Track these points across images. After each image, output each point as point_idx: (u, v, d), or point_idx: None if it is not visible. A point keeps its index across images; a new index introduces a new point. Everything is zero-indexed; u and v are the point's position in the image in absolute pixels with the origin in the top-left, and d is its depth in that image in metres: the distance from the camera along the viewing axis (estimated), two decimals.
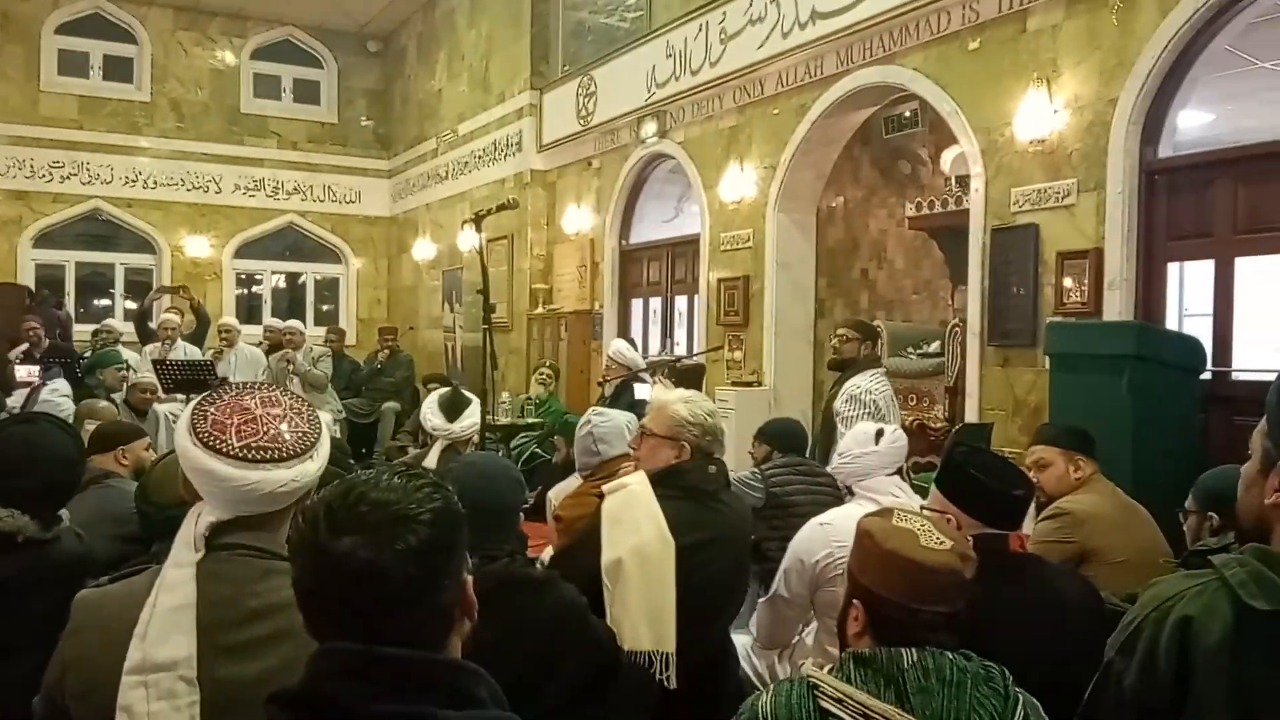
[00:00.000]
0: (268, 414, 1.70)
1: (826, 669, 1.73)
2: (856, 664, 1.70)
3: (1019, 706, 1.67)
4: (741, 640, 3.39)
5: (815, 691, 1.68)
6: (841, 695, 1.66)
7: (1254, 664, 1.32)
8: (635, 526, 2.73)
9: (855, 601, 1.80)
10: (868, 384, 4.84)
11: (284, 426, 1.69)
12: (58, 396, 6.25)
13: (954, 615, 1.74)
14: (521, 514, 2.59)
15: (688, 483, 2.89)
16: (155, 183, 14.27)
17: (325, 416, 7.10)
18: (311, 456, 1.70)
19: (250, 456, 1.63)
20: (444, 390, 4.60)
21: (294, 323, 10.21)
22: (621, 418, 3.91)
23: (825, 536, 3.08)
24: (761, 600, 3.39)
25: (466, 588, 1.32)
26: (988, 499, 2.40)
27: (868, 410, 4.78)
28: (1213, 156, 5.66)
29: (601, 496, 2.93)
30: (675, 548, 2.69)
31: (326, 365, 9.67)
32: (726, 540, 2.90)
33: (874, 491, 3.21)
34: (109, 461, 3.76)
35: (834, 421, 4.88)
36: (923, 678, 1.66)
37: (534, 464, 7.09)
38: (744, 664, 3.38)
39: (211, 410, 1.68)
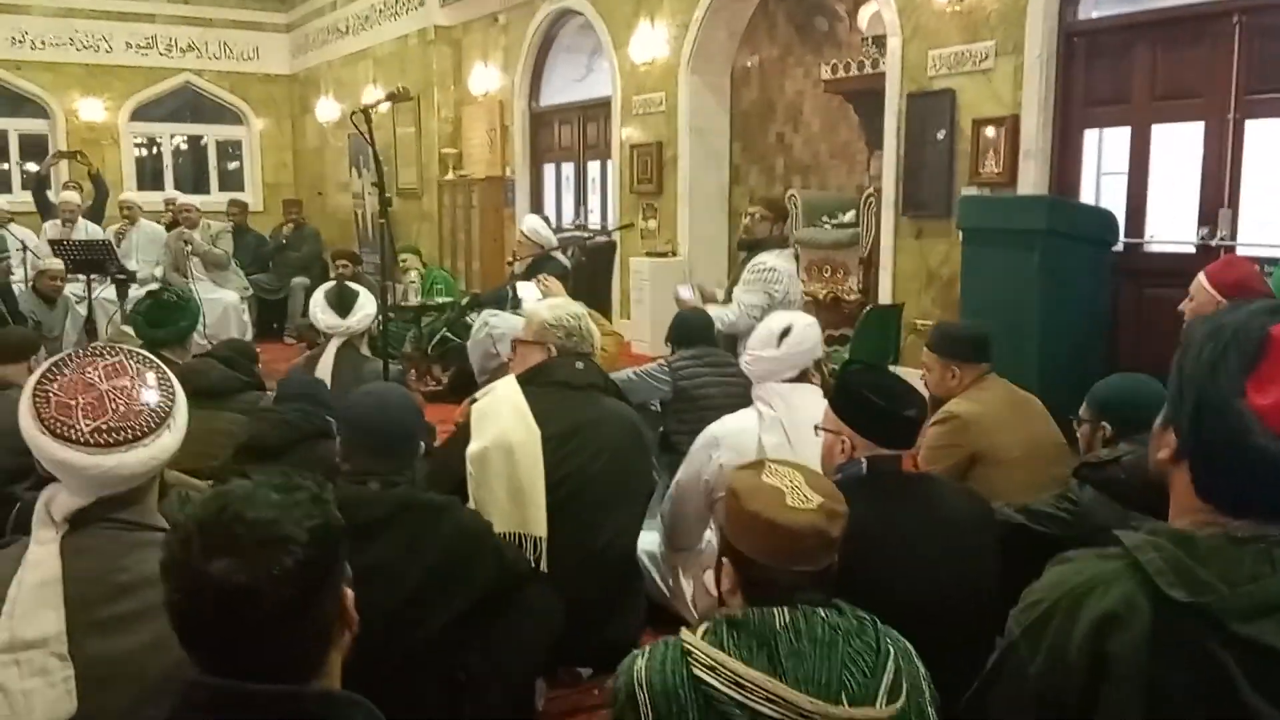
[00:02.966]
0: (114, 388, 1.61)
1: (700, 631, 1.71)
2: (729, 627, 1.68)
3: (890, 658, 1.66)
4: (647, 543, 3.36)
5: (688, 658, 1.66)
6: (714, 663, 1.64)
7: (1170, 663, 1.25)
8: (498, 418, 2.85)
9: (724, 560, 1.78)
10: (773, 261, 4.72)
11: (134, 400, 1.61)
12: None
13: (821, 572, 1.72)
14: (419, 437, 2.60)
15: (553, 377, 3.00)
16: (43, 43, 13.42)
17: (232, 295, 6.92)
18: (168, 427, 1.63)
19: (102, 441, 1.55)
20: (329, 285, 4.45)
21: (189, 199, 9.75)
22: (516, 320, 3.82)
23: (709, 451, 3.10)
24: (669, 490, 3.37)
25: (345, 601, 1.28)
26: (880, 420, 2.32)
27: (769, 285, 4.65)
28: (1133, 19, 5.47)
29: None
30: (541, 436, 2.79)
31: (227, 242, 9.28)
32: (599, 430, 2.94)
33: (762, 398, 3.13)
34: (16, 372, 3.52)
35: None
36: (794, 640, 1.64)
37: (445, 348, 6.89)
38: (650, 569, 3.37)
39: (54, 390, 1.58)
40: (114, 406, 1.58)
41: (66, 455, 1.54)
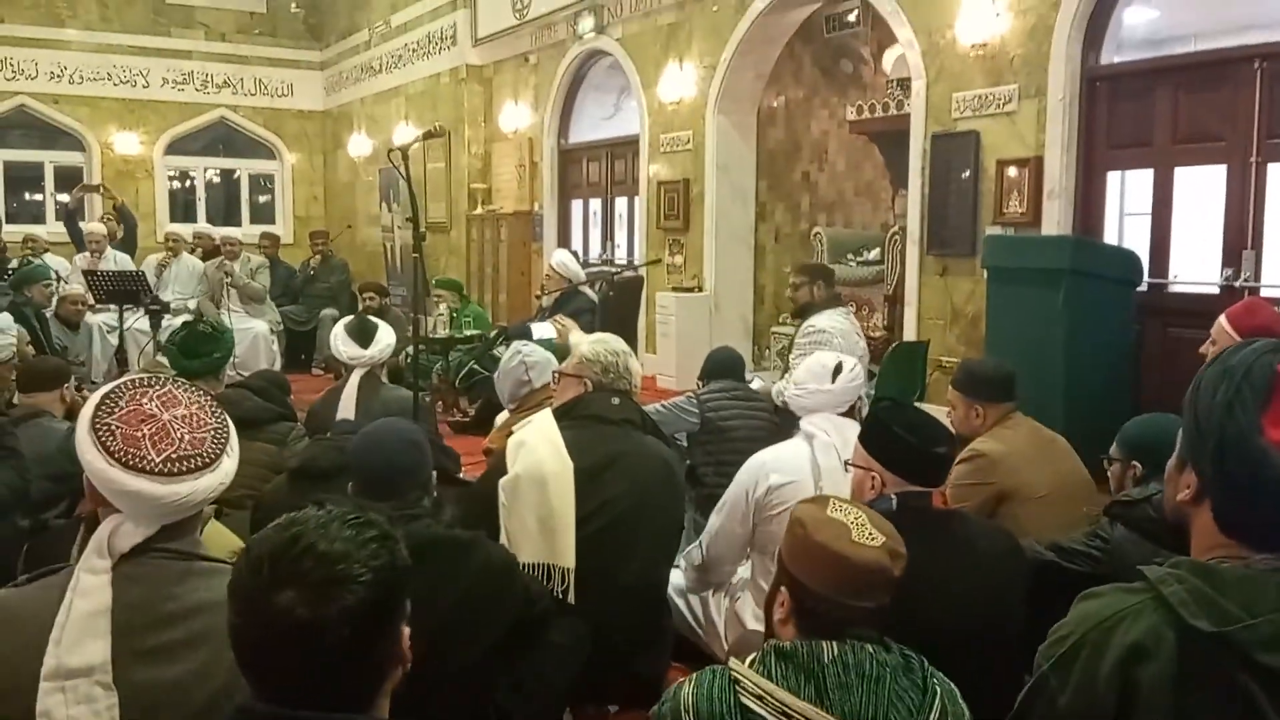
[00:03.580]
0: (174, 418, 1.62)
1: (748, 661, 1.72)
2: (777, 658, 1.69)
3: (936, 698, 1.67)
4: (678, 580, 3.38)
5: (736, 686, 1.67)
6: (762, 692, 1.65)
7: (1197, 693, 1.27)
8: (533, 449, 2.91)
9: (783, 588, 1.79)
10: (822, 322, 4.76)
11: (196, 428, 1.63)
12: None
13: (876, 610, 1.73)
14: (423, 471, 2.56)
15: (587, 411, 3.05)
16: (82, 77, 13.64)
17: (262, 326, 7.05)
18: (228, 453, 1.65)
19: (175, 470, 1.57)
20: (349, 318, 4.57)
21: (231, 231, 9.90)
22: (546, 350, 3.95)
23: (761, 472, 3.10)
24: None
25: (402, 640, 1.30)
26: (911, 457, 2.35)
27: (820, 347, 4.67)
28: (1154, 64, 5.56)
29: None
30: (574, 469, 2.84)
31: (265, 276, 9.46)
32: (632, 465, 2.95)
33: (816, 424, 3.18)
34: (49, 400, 3.65)
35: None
36: (842, 673, 1.65)
37: (473, 380, 6.98)
38: (679, 602, 3.39)
39: (115, 423, 1.58)
40: (179, 435, 1.60)
41: (141, 486, 1.54)
